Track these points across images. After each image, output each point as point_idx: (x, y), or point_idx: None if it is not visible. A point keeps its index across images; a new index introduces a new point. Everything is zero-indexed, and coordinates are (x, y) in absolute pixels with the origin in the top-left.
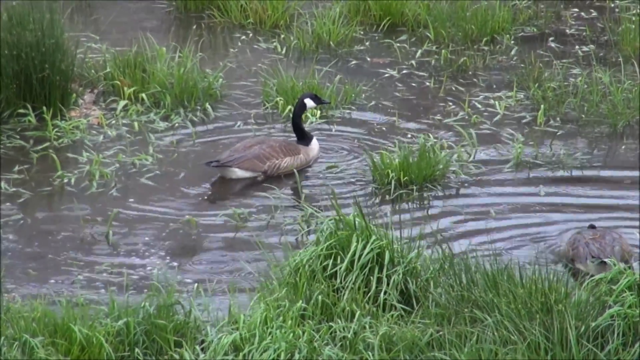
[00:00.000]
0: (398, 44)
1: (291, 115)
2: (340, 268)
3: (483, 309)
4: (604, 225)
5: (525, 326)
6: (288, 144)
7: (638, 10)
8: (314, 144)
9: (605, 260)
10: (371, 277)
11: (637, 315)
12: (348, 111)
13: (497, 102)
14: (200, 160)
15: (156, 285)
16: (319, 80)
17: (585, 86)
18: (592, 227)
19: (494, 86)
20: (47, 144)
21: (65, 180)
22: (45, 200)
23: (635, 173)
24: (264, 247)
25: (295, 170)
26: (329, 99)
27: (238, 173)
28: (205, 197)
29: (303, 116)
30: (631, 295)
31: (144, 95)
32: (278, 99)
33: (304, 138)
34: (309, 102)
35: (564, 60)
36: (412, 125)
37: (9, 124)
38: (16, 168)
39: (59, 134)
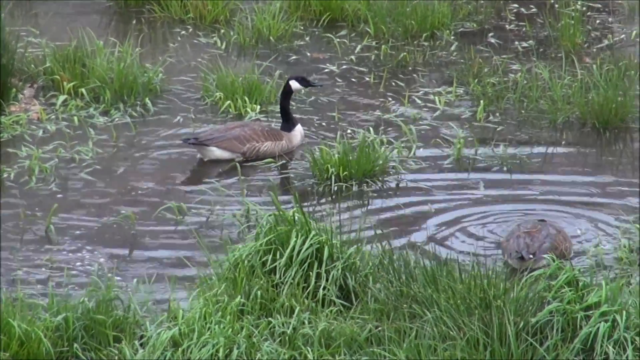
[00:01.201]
0: (338, 39)
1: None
2: (279, 263)
3: (422, 305)
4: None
5: (464, 322)
6: (271, 129)
7: (577, 6)
8: (298, 130)
9: (525, 257)
10: (310, 273)
11: (576, 311)
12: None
13: (437, 98)
14: (138, 156)
15: (95, 280)
16: (259, 75)
17: (525, 82)
18: (542, 221)
19: (434, 82)
20: None
21: (5, 175)
22: None
23: (575, 168)
24: (203, 242)
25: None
26: (271, 94)
27: (216, 152)
28: (145, 192)
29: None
30: (570, 291)
31: (83, 90)
32: (218, 94)
33: (288, 122)
34: (294, 84)
35: (504, 56)
36: (351, 120)
37: None
38: None
39: None
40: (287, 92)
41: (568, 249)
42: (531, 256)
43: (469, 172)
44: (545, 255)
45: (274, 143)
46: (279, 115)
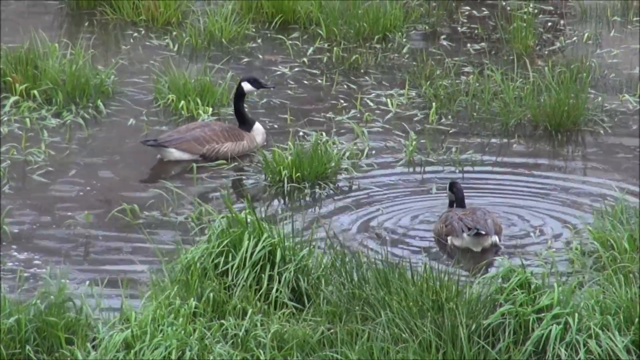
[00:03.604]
0: (290, 42)
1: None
2: (231, 266)
3: (374, 307)
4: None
5: (416, 324)
6: (232, 129)
7: (529, 9)
8: (257, 129)
9: (482, 231)
10: (263, 275)
11: (528, 313)
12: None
13: (389, 100)
14: (91, 158)
15: (48, 282)
16: (211, 78)
17: (477, 84)
18: (454, 184)
19: (386, 84)
20: None
21: None
22: None
23: (527, 170)
24: (155, 244)
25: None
26: (223, 96)
27: (175, 154)
28: (98, 194)
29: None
30: (522, 293)
31: (35, 91)
32: (170, 95)
33: (244, 123)
34: (247, 86)
35: (456, 58)
36: (304, 122)
37: None
38: None
39: None
40: (240, 94)
41: (501, 226)
42: (484, 231)
43: (421, 174)
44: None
45: (235, 143)
46: (233, 117)
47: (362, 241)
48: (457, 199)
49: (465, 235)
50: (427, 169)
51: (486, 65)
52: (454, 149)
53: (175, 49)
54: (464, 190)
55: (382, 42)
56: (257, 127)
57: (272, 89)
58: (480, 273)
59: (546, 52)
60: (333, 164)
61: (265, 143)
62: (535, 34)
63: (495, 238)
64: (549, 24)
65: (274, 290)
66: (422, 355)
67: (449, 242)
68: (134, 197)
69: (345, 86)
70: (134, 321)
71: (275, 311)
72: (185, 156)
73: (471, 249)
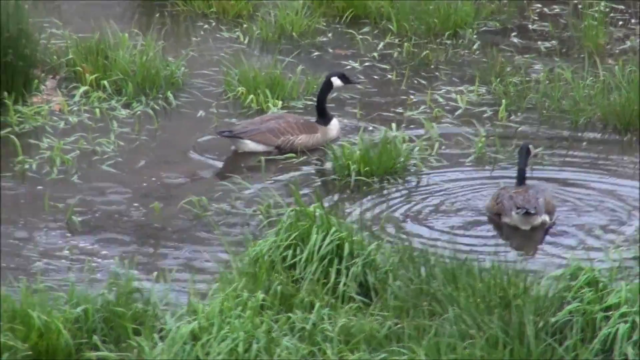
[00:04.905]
0: (361, 36)
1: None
2: (299, 259)
3: (442, 303)
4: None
5: (483, 320)
6: (306, 122)
7: (601, 7)
8: (334, 124)
9: (531, 210)
10: (330, 269)
11: (596, 311)
12: (310, 102)
13: (458, 96)
14: (161, 149)
15: (116, 272)
16: (281, 71)
17: (547, 82)
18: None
19: (456, 80)
20: (9, 129)
21: (26, 166)
22: (6, 186)
23: (596, 169)
24: (223, 236)
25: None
26: (293, 89)
27: (250, 145)
28: (166, 185)
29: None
30: (590, 291)
31: (105, 82)
32: (240, 88)
33: (323, 117)
34: (336, 81)
35: (526, 56)
36: (373, 117)
37: None
38: None
39: (20, 119)
40: (327, 88)
41: (554, 206)
42: (533, 211)
43: (490, 171)
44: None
45: (309, 136)
46: (301, 110)
47: (430, 236)
48: (518, 167)
49: (514, 214)
50: (496, 165)
51: (556, 63)
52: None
53: (246, 41)
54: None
55: (453, 38)
56: (334, 122)
57: (358, 85)
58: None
59: (617, 51)
60: (402, 159)
61: (339, 137)
62: (606, 32)
63: (545, 217)
64: (620, 22)
65: (342, 284)
66: (489, 352)
67: (500, 220)
68: (202, 189)
69: (415, 82)
70: (201, 313)
71: (342, 305)
72: (260, 147)
73: (520, 227)
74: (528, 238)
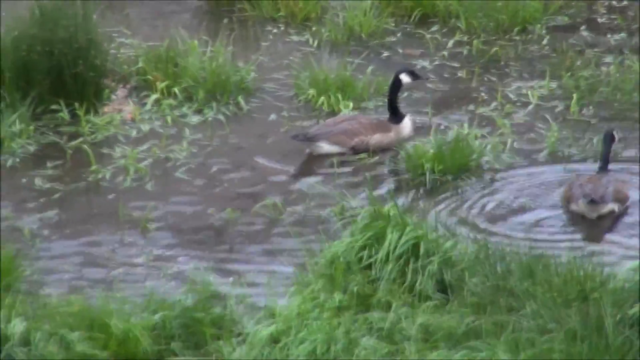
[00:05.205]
0: (430, 35)
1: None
2: (376, 259)
3: (519, 298)
4: None
5: (561, 314)
6: (379, 121)
7: None
8: (406, 123)
9: (596, 199)
10: (407, 268)
11: None
12: (381, 103)
13: (529, 92)
14: (233, 154)
15: (193, 278)
16: (351, 72)
17: (618, 75)
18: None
19: (527, 76)
20: (81, 139)
21: (100, 176)
22: (80, 196)
23: None
24: (299, 238)
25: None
26: (364, 90)
27: (325, 148)
28: (240, 189)
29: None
30: None
31: (176, 89)
32: (311, 91)
33: (395, 116)
34: (405, 78)
35: (596, 49)
36: (445, 115)
37: (42, 120)
38: (50, 164)
39: (92, 129)
40: (397, 86)
41: (626, 195)
42: (598, 199)
43: (563, 166)
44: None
45: (383, 135)
46: (372, 111)
47: (506, 232)
48: (602, 153)
49: (580, 202)
50: (570, 160)
51: (626, 55)
52: (595, 140)
53: (315, 44)
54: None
55: (522, 34)
56: (407, 120)
57: (427, 79)
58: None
59: None
60: (475, 157)
61: (412, 136)
62: None
63: (613, 206)
64: None
65: (418, 282)
66: (568, 346)
67: (570, 208)
68: (276, 192)
69: (485, 79)
70: (279, 316)
71: (420, 303)
72: (334, 149)
73: (587, 216)
74: (602, 229)
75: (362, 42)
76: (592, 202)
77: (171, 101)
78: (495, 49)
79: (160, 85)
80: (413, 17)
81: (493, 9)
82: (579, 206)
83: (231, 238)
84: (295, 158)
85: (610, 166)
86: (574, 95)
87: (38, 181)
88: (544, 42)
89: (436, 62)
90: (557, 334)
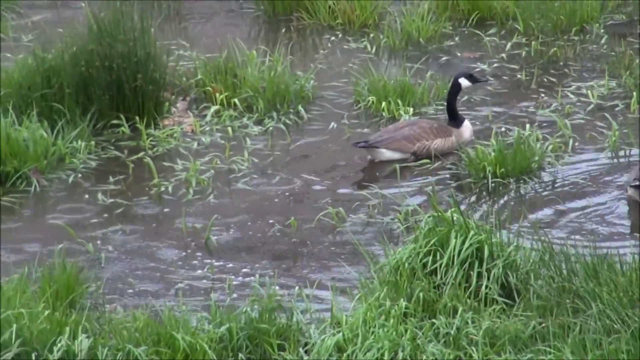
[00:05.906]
0: (487, 38)
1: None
2: (440, 264)
3: (584, 299)
4: None
5: (627, 314)
6: (440, 126)
7: None
8: (466, 126)
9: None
10: (471, 272)
11: None
12: (441, 107)
13: (589, 91)
14: (295, 163)
15: (257, 289)
16: (410, 78)
17: None
18: None
19: (586, 75)
20: (142, 153)
21: (162, 189)
22: (143, 210)
23: None
24: (362, 246)
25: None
26: (423, 95)
27: (386, 154)
28: (302, 199)
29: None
30: None
31: (236, 100)
32: (370, 97)
33: (455, 119)
34: (464, 82)
35: None
36: (505, 117)
37: (103, 135)
38: (112, 179)
39: (153, 143)
40: (456, 89)
41: None
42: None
43: (627, 164)
44: None
45: (444, 139)
46: (433, 116)
47: (569, 233)
48: None
49: (629, 187)
50: (632, 159)
51: None
52: None
53: (373, 50)
54: None
55: (580, 33)
56: (467, 124)
57: (487, 82)
58: None
59: None
60: (537, 158)
61: (472, 139)
62: None
63: None
64: None
65: (483, 287)
66: (635, 345)
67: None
68: (339, 200)
69: (544, 80)
70: (344, 324)
71: (485, 308)
72: (396, 155)
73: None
74: None
75: (420, 47)
76: (637, 187)
77: (231, 112)
78: (553, 49)
79: (220, 96)
80: (470, 20)
81: (550, 9)
82: (630, 190)
83: (294, 248)
84: (356, 166)
85: None
86: (634, 94)
87: (101, 196)
88: (602, 41)
89: (495, 65)
90: (623, 334)
